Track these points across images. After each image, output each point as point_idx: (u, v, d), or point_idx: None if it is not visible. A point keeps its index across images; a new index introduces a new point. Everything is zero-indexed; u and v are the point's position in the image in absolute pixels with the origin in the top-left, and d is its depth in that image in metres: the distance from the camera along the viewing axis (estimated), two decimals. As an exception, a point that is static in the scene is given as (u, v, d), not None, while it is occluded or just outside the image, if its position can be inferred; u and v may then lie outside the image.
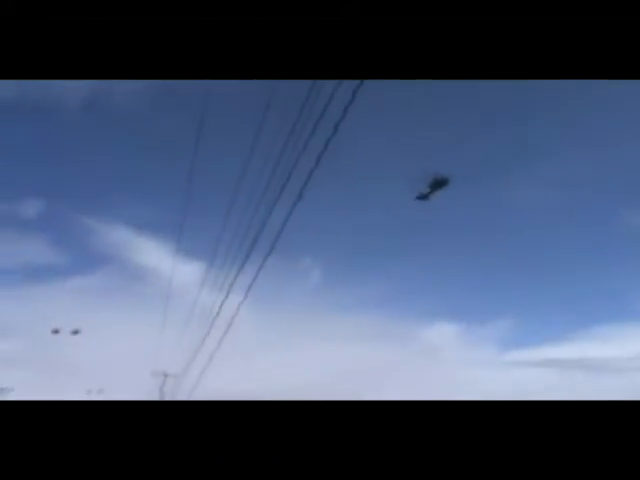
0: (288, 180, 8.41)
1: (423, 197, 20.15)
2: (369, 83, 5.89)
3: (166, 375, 50.01)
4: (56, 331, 57.29)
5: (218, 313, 14.45)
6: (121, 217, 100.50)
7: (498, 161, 77.48)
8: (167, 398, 48.40)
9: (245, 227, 11.67)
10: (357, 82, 5.95)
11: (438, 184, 19.59)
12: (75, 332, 56.50)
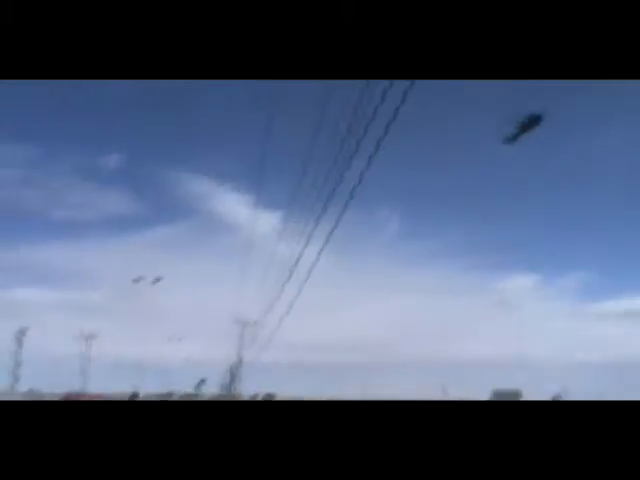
0: (366, 132, 8.57)
1: (511, 139, 18.10)
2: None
3: (246, 323, 52.07)
4: (137, 280, 60.55)
5: (297, 262, 15.00)
6: (202, 169, 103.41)
7: (593, 110, 72.51)
8: (246, 346, 50.47)
9: (323, 178, 11.98)
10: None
11: (529, 124, 17.45)
12: (156, 280, 59.49)
